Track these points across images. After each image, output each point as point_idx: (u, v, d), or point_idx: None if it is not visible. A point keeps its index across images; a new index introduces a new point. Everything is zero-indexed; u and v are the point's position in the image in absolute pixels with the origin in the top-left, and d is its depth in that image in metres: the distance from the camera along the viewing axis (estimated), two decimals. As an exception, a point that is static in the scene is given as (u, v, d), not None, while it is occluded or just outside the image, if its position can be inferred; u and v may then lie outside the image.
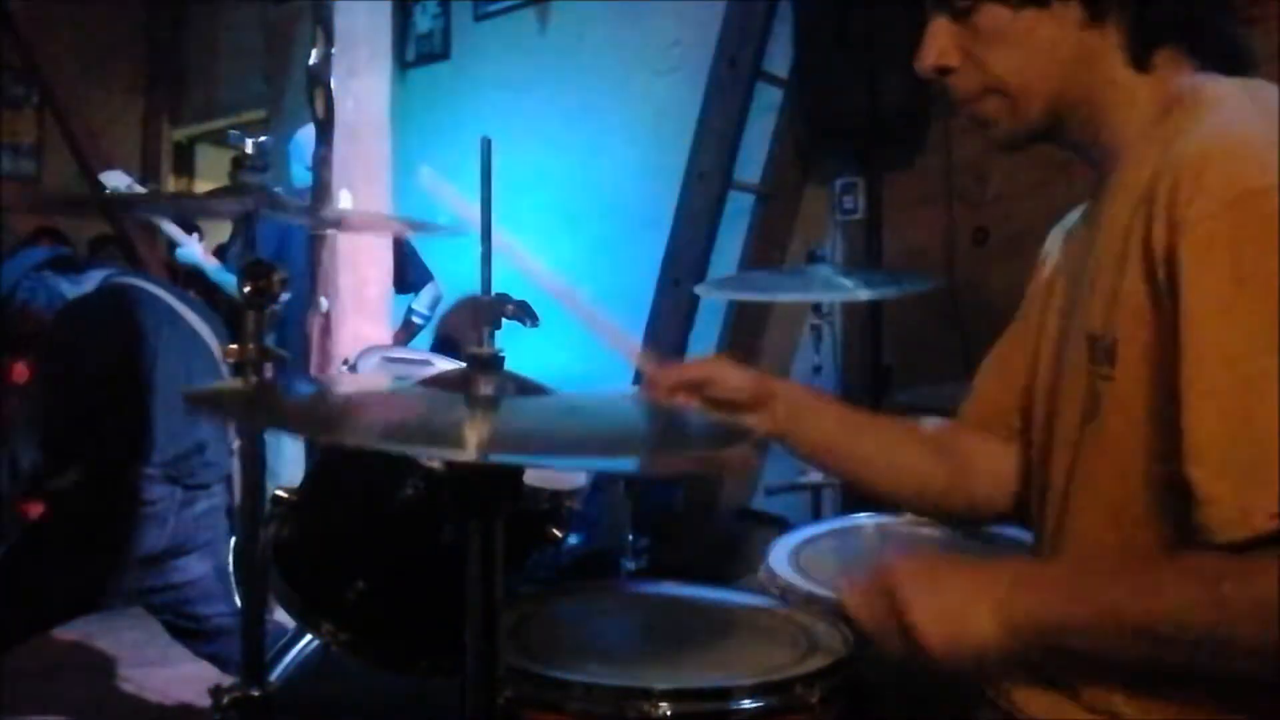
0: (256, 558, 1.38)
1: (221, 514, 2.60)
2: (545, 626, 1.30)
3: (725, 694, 1.11)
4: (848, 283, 2.28)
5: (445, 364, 2.02)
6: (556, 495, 1.47)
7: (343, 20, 2.97)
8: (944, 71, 1.07)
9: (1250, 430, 0.85)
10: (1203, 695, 0.95)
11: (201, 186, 6.73)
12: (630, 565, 1.91)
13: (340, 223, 2.88)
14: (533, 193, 4.15)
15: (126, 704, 3.26)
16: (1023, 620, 0.93)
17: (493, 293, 1.05)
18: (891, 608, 0.95)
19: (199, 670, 2.65)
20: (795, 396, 1.29)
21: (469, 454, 0.78)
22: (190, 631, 2.62)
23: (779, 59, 3.51)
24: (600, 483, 2.01)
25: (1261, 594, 0.83)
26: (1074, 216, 1.21)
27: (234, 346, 1.35)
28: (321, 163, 3.02)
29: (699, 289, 2.68)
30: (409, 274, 3.79)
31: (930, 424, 1.33)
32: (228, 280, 3.80)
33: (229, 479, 2.57)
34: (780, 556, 1.62)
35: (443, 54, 4.80)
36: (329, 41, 2.93)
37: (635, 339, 1.30)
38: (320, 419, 0.91)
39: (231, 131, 1.59)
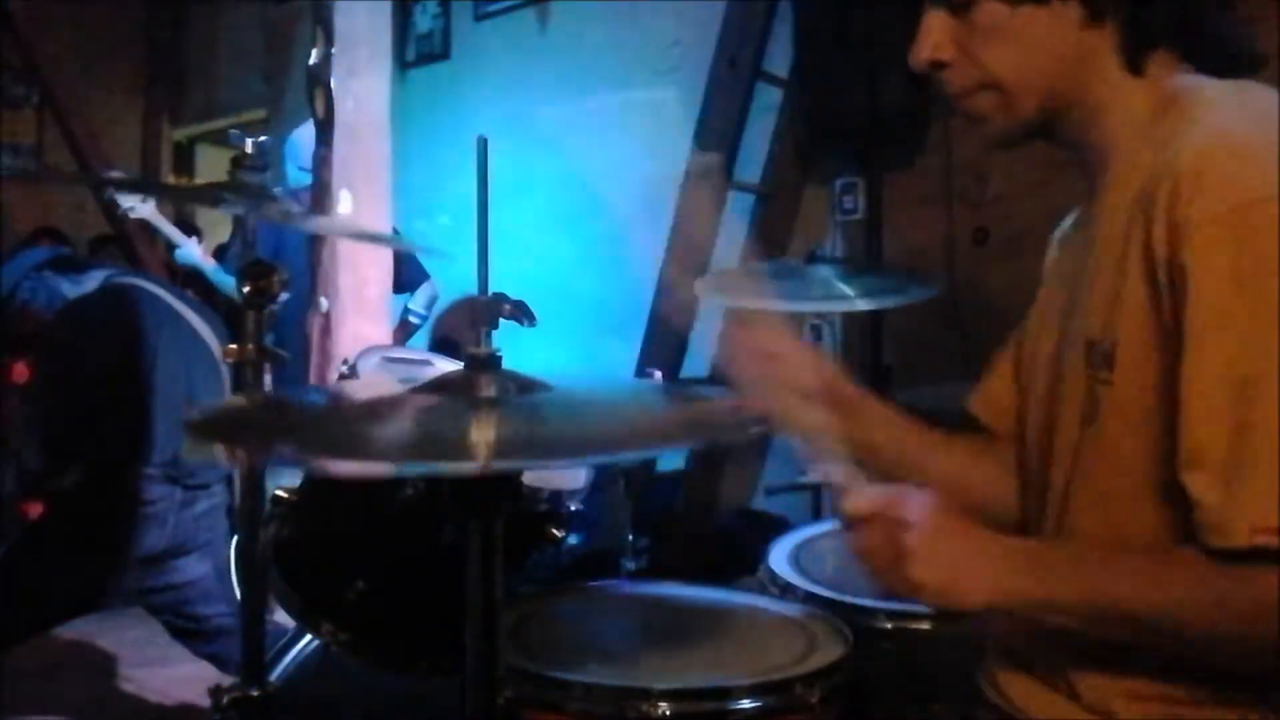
0: (256, 558, 1.38)
1: (221, 514, 2.60)
2: (545, 626, 1.31)
3: (725, 694, 1.11)
4: (847, 290, 2.28)
5: (445, 363, 2.02)
6: (556, 495, 1.47)
7: (343, 20, 2.97)
8: (938, 66, 1.06)
9: (1246, 438, 0.85)
10: (1202, 697, 0.95)
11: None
12: (630, 565, 1.91)
13: (333, 229, 2.88)
14: (532, 192, 4.15)
15: (126, 704, 3.26)
16: (1016, 595, 0.95)
17: (490, 292, 1.05)
18: (893, 541, 0.95)
19: (199, 670, 2.65)
20: (870, 408, 1.25)
21: (485, 465, 0.78)
22: (190, 631, 2.62)
23: (779, 59, 3.50)
24: (600, 483, 2.00)
25: (1260, 594, 0.84)
26: (1070, 220, 1.21)
27: (234, 346, 1.36)
28: (321, 163, 3.02)
29: (699, 288, 2.67)
30: (405, 273, 3.78)
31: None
32: (226, 281, 3.80)
33: (229, 479, 2.57)
34: (780, 556, 1.62)
35: (443, 54, 4.80)
36: (329, 41, 2.93)
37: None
38: (326, 441, 0.90)
39: (232, 131, 1.59)
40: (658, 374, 2.37)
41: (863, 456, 1.18)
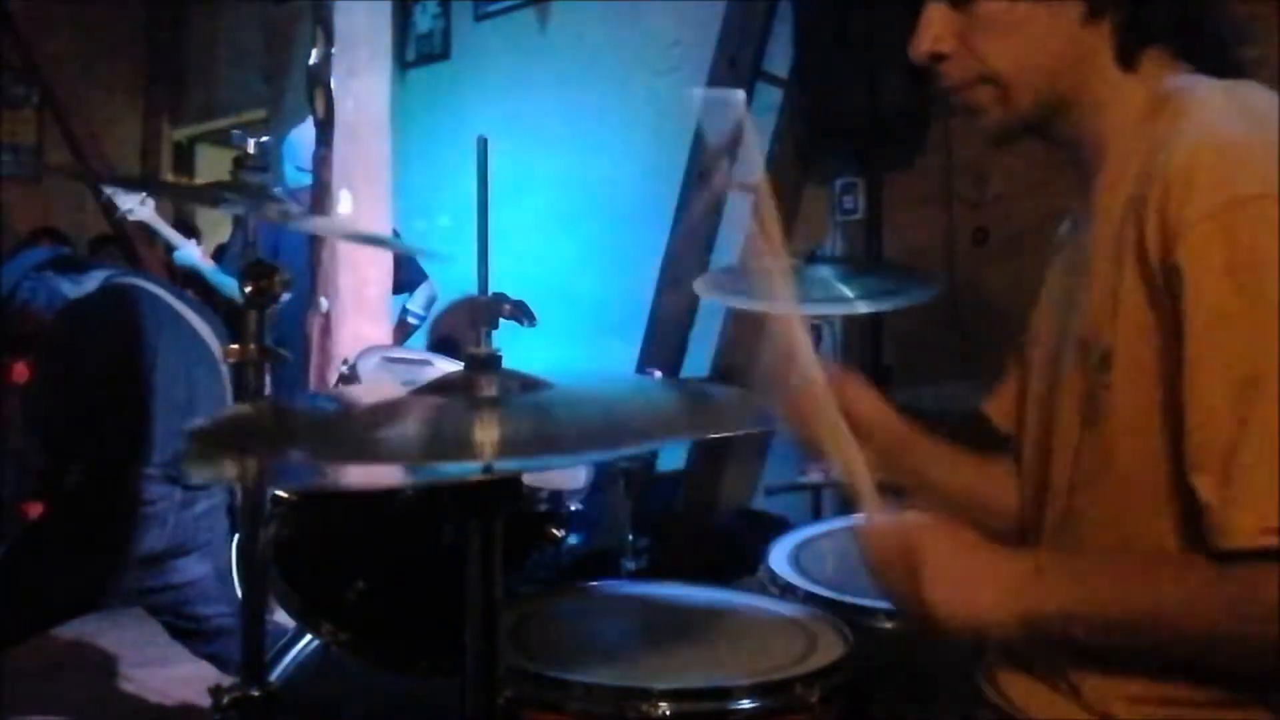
0: (256, 558, 1.38)
1: (221, 514, 2.60)
2: (545, 626, 1.31)
3: (724, 694, 1.11)
4: (847, 291, 2.28)
5: (445, 364, 2.02)
6: (556, 495, 1.47)
7: (343, 20, 2.97)
8: (937, 58, 1.07)
9: (1247, 438, 0.85)
10: (1203, 698, 0.95)
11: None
12: (630, 565, 1.91)
13: (330, 230, 2.88)
14: (532, 193, 4.15)
15: (126, 704, 3.26)
16: (1032, 612, 0.95)
17: (490, 292, 1.05)
18: (907, 565, 0.96)
19: (199, 670, 2.65)
20: (921, 444, 1.27)
21: (490, 464, 0.78)
22: (190, 632, 2.62)
23: (779, 59, 3.50)
24: (600, 483, 2.00)
25: (1265, 594, 0.84)
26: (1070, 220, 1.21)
27: (235, 347, 1.36)
28: (321, 163, 3.02)
29: (698, 288, 2.68)
30: (403, 274, 3.78)
31: None
32: (225, 282, 3.79)
33: (229, 479, 2.57)
34: (780, 556, 1.62)
35: (443, 54, 4.80)
36: (329, 41, 2.93)
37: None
38: (335, 449, 0.89)
39: (234, 131, 1.60)
40: (657, 374, 2.37)
41: (917, 492, 1.22)
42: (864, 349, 3.21)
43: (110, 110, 6.52)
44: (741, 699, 1.11)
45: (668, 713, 1.08)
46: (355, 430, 0.95)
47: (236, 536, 1.77)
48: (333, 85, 2.93)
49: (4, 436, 3.02)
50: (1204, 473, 0.87)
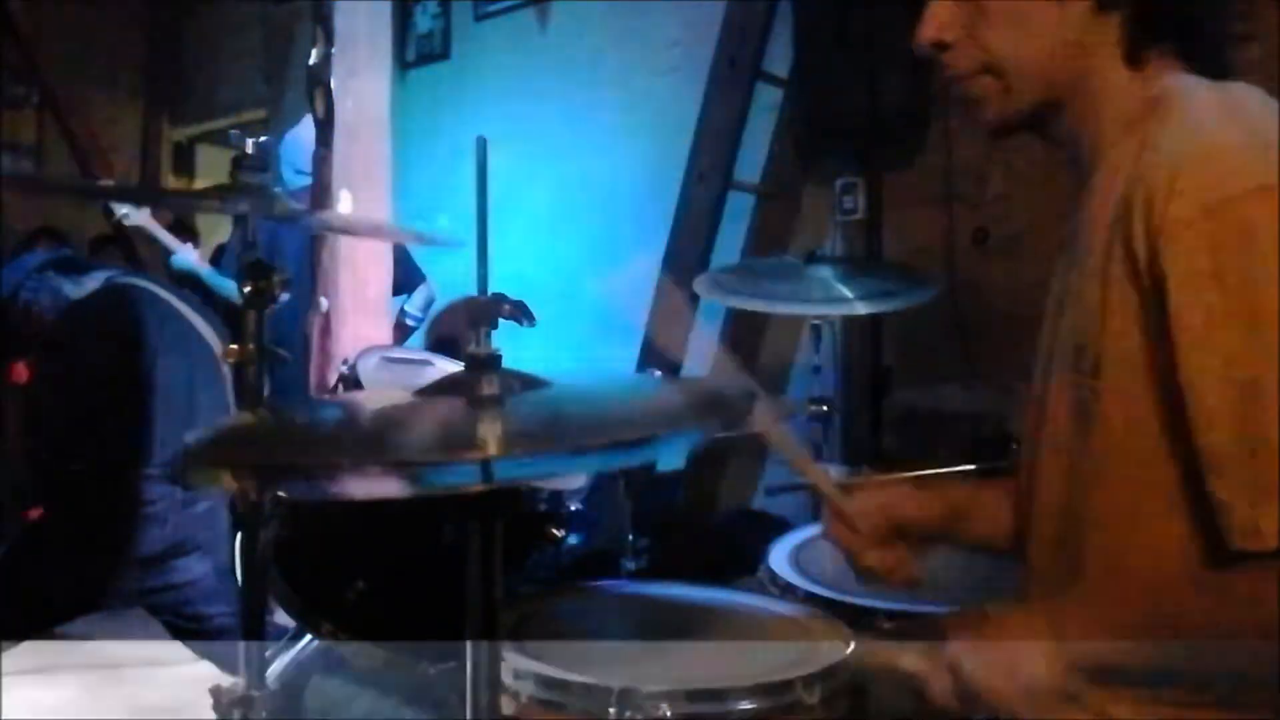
0: (256, 558, 1.38)
1: (222, 513, 2.60)
2: (545, 626, 1.30)
3: (724, 694, 1.11)
4: (847, 291, 2.29)
5: (445, 363, 2.02)
6: (556, 495, 1.47)
7: (343, 20, 2.97)
8: (941, 47, 1.07)
9: (1258, 441, 0.85)
10: (1203, 699, 0.95)
11: (201, 187, 6.72)
12: (630, 565, 1.91)
13: (331, 227, 2.88)
14: (532, 193, 4.16)
15: (126, 704, 3.26)
16: (1080, 658, 0.94)
17: (489, 292, 1.05)
18: (950, 667, 0.97)
19: (199, 670, 2.65)
20: (971, 506, 1.28)
21: (502, 471, 0.78)
22: (191, 631, 2.62)
23: (779, 59, 3.51)
24: (600, 482, 2.00)
25: None
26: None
27: (234, 347, 1.35)
28: (321, 163, 3.02)
29: (698, 288, 2.68)
30: (401, 275, 3.78)
31: None
32: (222, 285, 3.78)
33: (229, 479, 2.56)
34: (780, 556, 1.62)
35: (443, 54, 4.80)
36: (329, 41, 2.93)
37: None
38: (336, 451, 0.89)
39: (233, 131, 1.59)
40: (657, 374, 2.37)
41: (979, 546, 1.28)
42: (864, 349, 3.21)
43: (110, 110, 6.51)
44: (741, 699, 1.10)
45: (667, 713, 1.08)
46: (357, 439, 0.95)
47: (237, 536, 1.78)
48: (333, 85, 2.92)
49: (4, 436, 3.01)
50: (1219, 478, 0.87)
